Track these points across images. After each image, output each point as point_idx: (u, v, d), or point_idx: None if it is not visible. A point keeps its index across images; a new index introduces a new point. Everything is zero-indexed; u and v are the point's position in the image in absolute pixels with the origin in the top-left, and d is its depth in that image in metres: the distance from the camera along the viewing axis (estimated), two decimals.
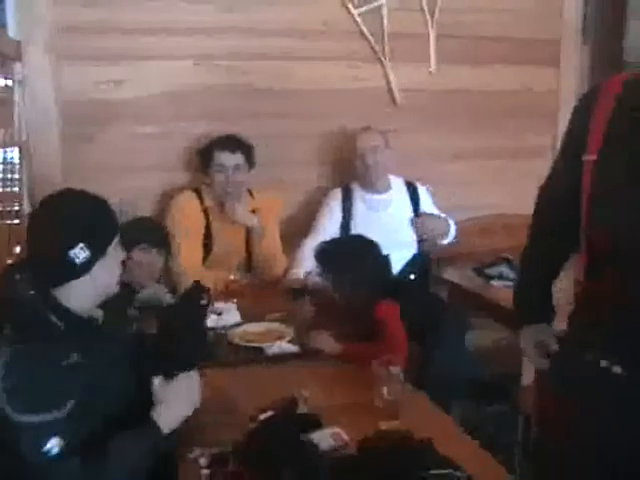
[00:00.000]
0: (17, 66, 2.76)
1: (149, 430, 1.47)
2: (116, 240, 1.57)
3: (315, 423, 1.58)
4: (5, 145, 2.66)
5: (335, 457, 1.37)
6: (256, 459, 1.37)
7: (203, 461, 1.50)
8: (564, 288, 1.62)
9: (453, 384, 2.66)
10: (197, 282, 1.78)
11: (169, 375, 1.56)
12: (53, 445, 1.34)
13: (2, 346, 1.41)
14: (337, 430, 1.57)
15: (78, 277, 1.51)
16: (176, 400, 1.54)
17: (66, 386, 1.40)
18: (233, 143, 2.86)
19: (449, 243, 3.17)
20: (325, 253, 2.31)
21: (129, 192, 2.94)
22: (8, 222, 2.60)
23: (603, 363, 1.30)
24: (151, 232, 2.59)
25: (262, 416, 1.56)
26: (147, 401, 1.55)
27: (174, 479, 1.50)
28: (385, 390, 1.67)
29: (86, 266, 1.50)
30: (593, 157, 1.30)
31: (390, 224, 2.97)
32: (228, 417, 1.69)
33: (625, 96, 1.29)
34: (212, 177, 2.87)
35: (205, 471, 1.47)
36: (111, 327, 1.64)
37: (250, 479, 1.36)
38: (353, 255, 2.24)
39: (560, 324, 1.54)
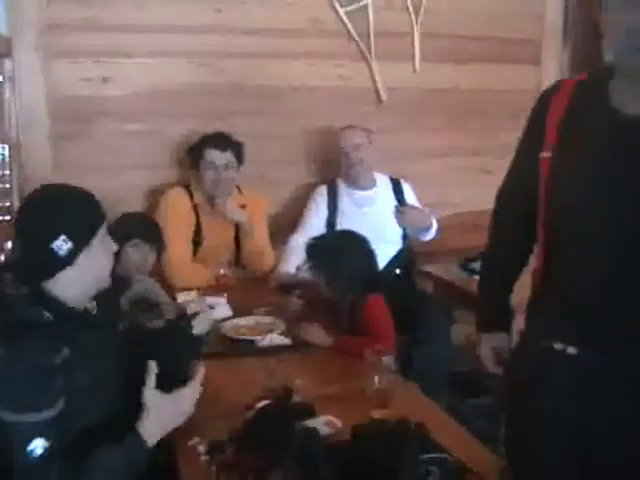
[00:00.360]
0: (7, 63, 2.78)
1: (132, 443, 1.45)
2: (102, 232, 1.57)
3: (309, 411, 1.64)
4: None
5: (331, 443, 1.42)
6: (255, 445, 1.42)
7: (201, 449, 1.55)
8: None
9: (438, 377, 2.72)
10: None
11: (162, 387, 1.54)
12: (37, 446, 1.36)
13: None
14: (331, 418, 1.62)
15: (63, 269, 1.52)
16: (165, 412, 1.51)
17: (56, 386, 1.42)
18: (223, 141, 2.90)
19: (431, 238, 3.22)
20: (316, 248, 2.36)
21: (118, 188, 2.97)
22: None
23: (558, 345, 1.36)
24: (144, 227, 2.61)
25: (258, 404, 1.60)
26: (136, 400, 1.54)
27: (172, 468, 1.55)
28: (377, 379, 1.73)
29: (70, 258, 1.51)
30: (549, 154, 1.37)
31: (375, 220, 3.02)
32: (223, 407, 1.73)
33: (578, 95, 1.36)
34: (202, 174, 2.90)
35: (204, 458, 1.52)
36: (103, 319, 1.65)
37: (249, 464, 1.41)
38: (343, 250, 2.30)
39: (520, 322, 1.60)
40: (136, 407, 1.53)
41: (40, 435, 1.37)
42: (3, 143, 2.75)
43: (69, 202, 1.56)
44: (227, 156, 2.88)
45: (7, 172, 2.74)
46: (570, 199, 1.33)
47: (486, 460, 1.52)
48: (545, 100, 1.43)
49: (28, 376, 1.39)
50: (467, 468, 1.42)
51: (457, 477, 1.38)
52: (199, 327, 1.94)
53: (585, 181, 1.30)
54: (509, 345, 1.62)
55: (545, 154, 1.38)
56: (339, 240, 2.46)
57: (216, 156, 2.87)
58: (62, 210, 1.54)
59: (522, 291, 1.59)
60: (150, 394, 1.50)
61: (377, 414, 1.67)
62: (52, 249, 1.50)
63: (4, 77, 2.76)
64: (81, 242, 1.53)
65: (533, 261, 1.52)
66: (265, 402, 1.62)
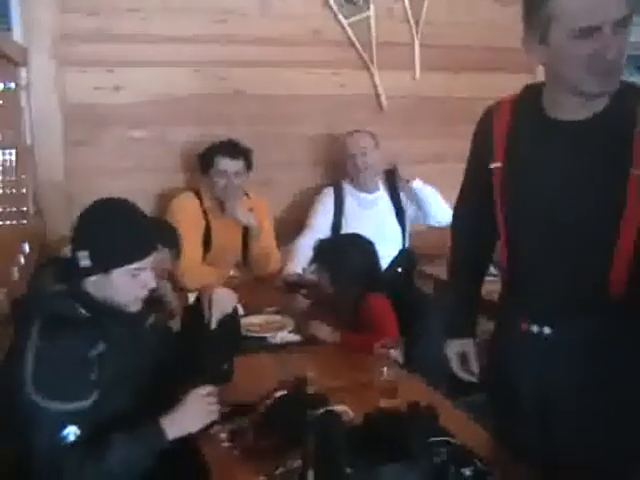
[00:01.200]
0: (22, 71, 2.88)
1: (154, 433, 1.55)
2: (129, 267, 1.61)
3: (322, 401, 1.74)
4: (11, 147, 2.76)
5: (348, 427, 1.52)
6: (274, 430, 1.53)
7: (223, 436, 1.65)
8: None
9: (436, 377, 2.82)
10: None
11: (194, 380, 1.65)
12: (70, 432, 1.46)
13: (33, 339, 1.51)
14: (344, 407, 1.72)
15: (86, 276, 1.61)
16: (189, 414, 1.61)
17: (91, 378, 1.52)
18: (234, 149, 3.00)
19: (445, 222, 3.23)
20: (321, 247, 2.48)
21: (127, 193, 3.04)
22: (15, 222, 2.70)
23: (534, 328, 1.53)
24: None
25: (275, 394, 1.71)
26: (162, 395, 1.66)
27: (196, 455, 1.64)
28: (385, 370, 1.83)
29: (88, 272, 1.60)
30: (499, 164, 1.54)
31: (378, 220, 3.14)
32: (241, 399, 1.83)
33: (518, 109, 1.55)
34: (213, 181, 3.00)
35: (226, 444, 1.62)
36: (134, 316, 1.72)
37: (269, 448, 1.52)
38: (346, 249, 2.43)
39: None
40: (161, 401, 1.64)
41: (74, 423, 1.47)
42: (11, 148, 2.83)
43: (111, 227, 1.62)
44: (238, 164, 2.99)
45: (23, 177, 2.82)
46: (522, 195, 1.52)
47: (491, 447, 1.62)
48: (489, 117, 1.61)
49: (66, 367, 1.49)
50: (473, 452, 1.53)
51: (463, 460, 1.48)
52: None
53: (534, 178, 1.49)
54: (474, 350, 1.77)
55: (496, 164, 1.55)
56: (343, 240, 2.58)
57: (227, 164, 2.98)
58: (99, 230, 1.61)
59: None
60: (194, 393, 1.61)
61: (386, 404, 1.77)
62: (76, 256, 1.60)
63: (20, 85, 2.86)
64: (99, 267, 1.60)
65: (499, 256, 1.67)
66: (281, 392, 1.72)
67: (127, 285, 1.63)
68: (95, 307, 1.61)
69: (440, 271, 3.37)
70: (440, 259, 3.46)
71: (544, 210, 1.47)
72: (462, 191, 1.78)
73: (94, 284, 1.62)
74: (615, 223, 1.40)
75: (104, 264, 1.60)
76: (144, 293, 1.68)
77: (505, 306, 1.67)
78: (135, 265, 1.63)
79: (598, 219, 1.42)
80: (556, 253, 1.49)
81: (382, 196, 3.28)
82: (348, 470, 1.27)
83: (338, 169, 3.35)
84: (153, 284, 1.68)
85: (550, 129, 1.47)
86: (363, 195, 3.24)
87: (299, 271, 2.89)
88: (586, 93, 1.38)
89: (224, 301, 1.97)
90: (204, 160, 3.06)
